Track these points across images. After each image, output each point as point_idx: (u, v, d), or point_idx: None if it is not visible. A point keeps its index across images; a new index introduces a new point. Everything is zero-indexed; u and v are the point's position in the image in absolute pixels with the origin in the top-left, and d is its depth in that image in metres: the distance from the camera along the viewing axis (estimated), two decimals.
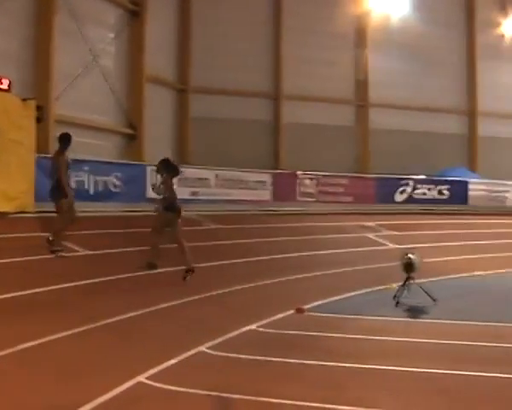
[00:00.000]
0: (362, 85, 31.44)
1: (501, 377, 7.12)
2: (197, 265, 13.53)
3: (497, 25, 34.87)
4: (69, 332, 8.41)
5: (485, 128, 33.87)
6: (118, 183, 18.47)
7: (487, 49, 33.81)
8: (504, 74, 34.11)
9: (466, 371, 7.41)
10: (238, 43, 28.17)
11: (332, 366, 7.65)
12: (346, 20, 30.60)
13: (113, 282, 11.67)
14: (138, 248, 14.43)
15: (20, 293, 10.11)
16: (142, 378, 6.80)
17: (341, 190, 25.44)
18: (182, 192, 20.59)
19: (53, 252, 13.13)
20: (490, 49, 33.97)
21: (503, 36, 34.99)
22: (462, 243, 20.15)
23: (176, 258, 12.88)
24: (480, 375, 7.25)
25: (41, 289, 10.41)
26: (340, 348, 8.71)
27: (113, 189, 18.34)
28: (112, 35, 22.71)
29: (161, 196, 13.04)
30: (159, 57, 25.08)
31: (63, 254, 13.23)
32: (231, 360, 7.80)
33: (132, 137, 23.31)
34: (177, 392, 6.50)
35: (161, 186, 13.05)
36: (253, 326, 9.58)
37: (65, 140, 14.05)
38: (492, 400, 6.46)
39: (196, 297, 11.28)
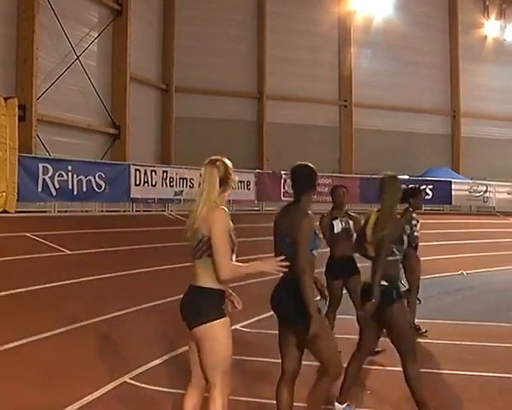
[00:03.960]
0: (346, 86, 31.48)
1: (481, 376, 7.17)
2: (182, 265, 13.46)
3: (480, 26, 35.17)
4: (52, 333, 8.33)
5: (467, 128, 34.11)
6: (101, 183, 18.34)
7: (470, 51, 34.08)
8: (486, 75, 34.38)
9: (446, 370, 7.44)
10: (222, 43, 28.12)
11: (313, 366, 7.64)
12: (329, 21, 30.66)
13: (93, 282, 11.58)
14: (122, 248, 14.40)
15: None
16: (126, 379, 6.76)
17: (325, 190, 25.41)
18: (166, 192, 20.61)
19: None
20: (472, 50, 34.26)
21: (485, 37, 35.31)
22: (446, 242, 20.23)
23: None
24: (461, 374, 7.29)
25: (21, 290, 10.30)
26: None
27: (96, 189, 18.22)
28: (95, 34, 22.55)
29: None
30: (142, 57, 24.97)
31: None
32: None
33: (116, 137, 23.17)
34: (161, 392, 6.47)
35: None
36: (238, 326, 9.54)
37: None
38: (473, 398, 6.49)
39: (178, 297, 11.19)
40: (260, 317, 10.18)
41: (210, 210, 4.63)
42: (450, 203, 28.61)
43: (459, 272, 16.38)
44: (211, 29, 27.89)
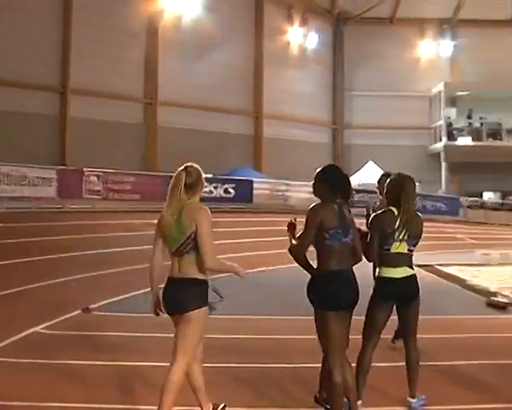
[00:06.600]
0: (151, 84, 31.50)
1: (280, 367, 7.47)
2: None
3: (284, 32, 36.70)
4: None
5: (270, 130, 35.44)
6: None
7: (274, 55, 35.49)
8: (289, 79, 35.98)
9: (257, 363, 7.71)
10: (25, 33, 26.79)
11: (116, 365, 7.57)
12: (138, 18, 30.50)
13: None
14: None
15: None
16: None
17: (129, 187, 25.23)
18: None
19: None
20: (276, 55, 35.67)
21: (288, 43, 36.86)
22: (247, 240, 20.75)
23: None
24: (267, 366, 7.56)
25: None
26: (126, 346, 8.63)
27: None
28: None
29: None
30: None
31: None
32: (12, 365, 7.48)
33: None
34: None
35: None
36: (38, 328, 9.24)
37: None
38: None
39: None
40: (62, 318, 9.91)
41: (195, 210, 5.34)
42: (252, 202, 29.35)
43: (261, 269, 16.87)
44: (16, 18, 26.53)
